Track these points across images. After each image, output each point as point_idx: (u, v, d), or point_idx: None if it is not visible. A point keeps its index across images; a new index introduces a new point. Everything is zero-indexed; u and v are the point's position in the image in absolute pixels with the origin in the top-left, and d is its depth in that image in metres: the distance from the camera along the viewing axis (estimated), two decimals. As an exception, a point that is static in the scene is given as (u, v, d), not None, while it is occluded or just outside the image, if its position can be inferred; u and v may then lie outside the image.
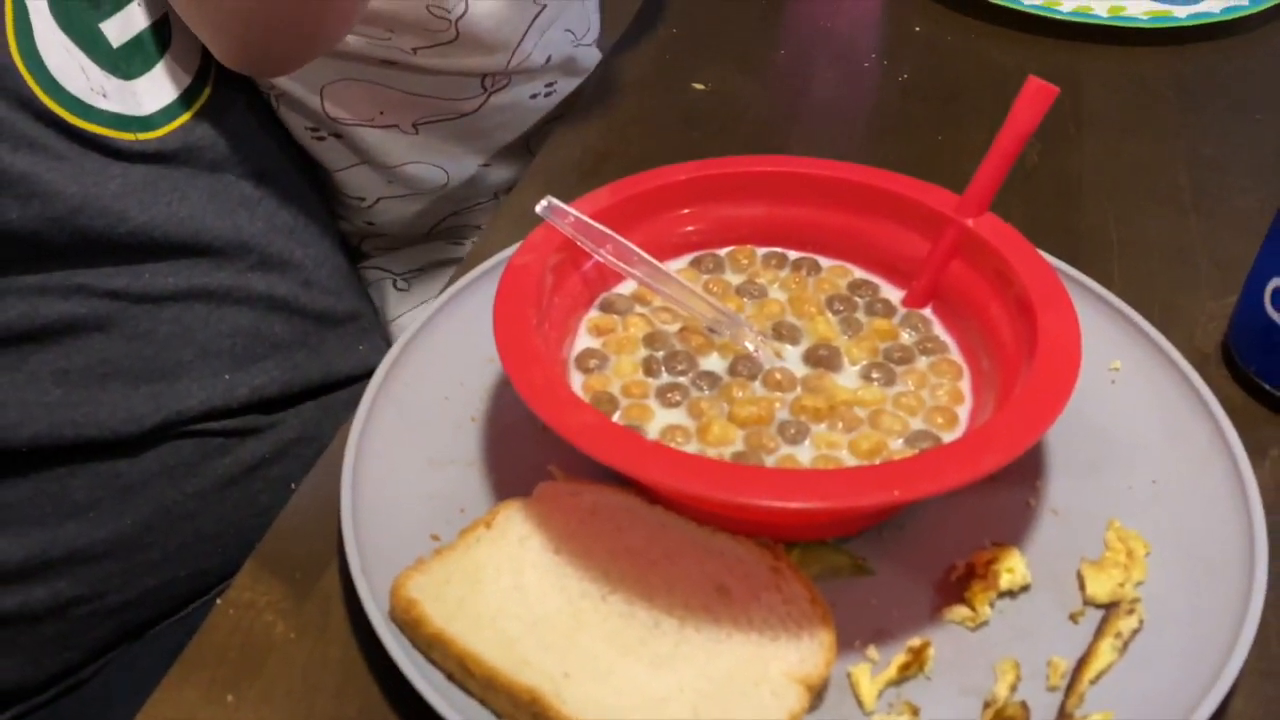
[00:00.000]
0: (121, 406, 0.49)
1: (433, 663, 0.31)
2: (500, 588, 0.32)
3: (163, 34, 0.53)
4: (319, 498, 0.38)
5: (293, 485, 0.40)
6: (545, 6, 0.57)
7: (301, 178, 0.60)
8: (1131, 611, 0.32)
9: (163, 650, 0.48)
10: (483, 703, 0.30)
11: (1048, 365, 0.33)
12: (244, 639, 0.34)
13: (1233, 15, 0.63)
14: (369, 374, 0.41)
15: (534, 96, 0.61)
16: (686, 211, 0.41)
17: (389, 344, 0.43)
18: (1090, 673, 0.31)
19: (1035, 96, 0.38)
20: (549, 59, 0.59)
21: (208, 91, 0.54)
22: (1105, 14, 0.65)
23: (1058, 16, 0.64)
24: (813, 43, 0.67)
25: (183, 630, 0.51)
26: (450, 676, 0.31)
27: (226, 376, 0.52)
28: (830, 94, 0.62)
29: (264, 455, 0.53)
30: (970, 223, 0.39)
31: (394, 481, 0.36)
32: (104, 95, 0.48)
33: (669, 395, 0.37)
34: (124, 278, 0.49)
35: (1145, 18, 0.64)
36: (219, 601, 0.35)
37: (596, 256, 0.39)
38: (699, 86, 0.61)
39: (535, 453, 0.37)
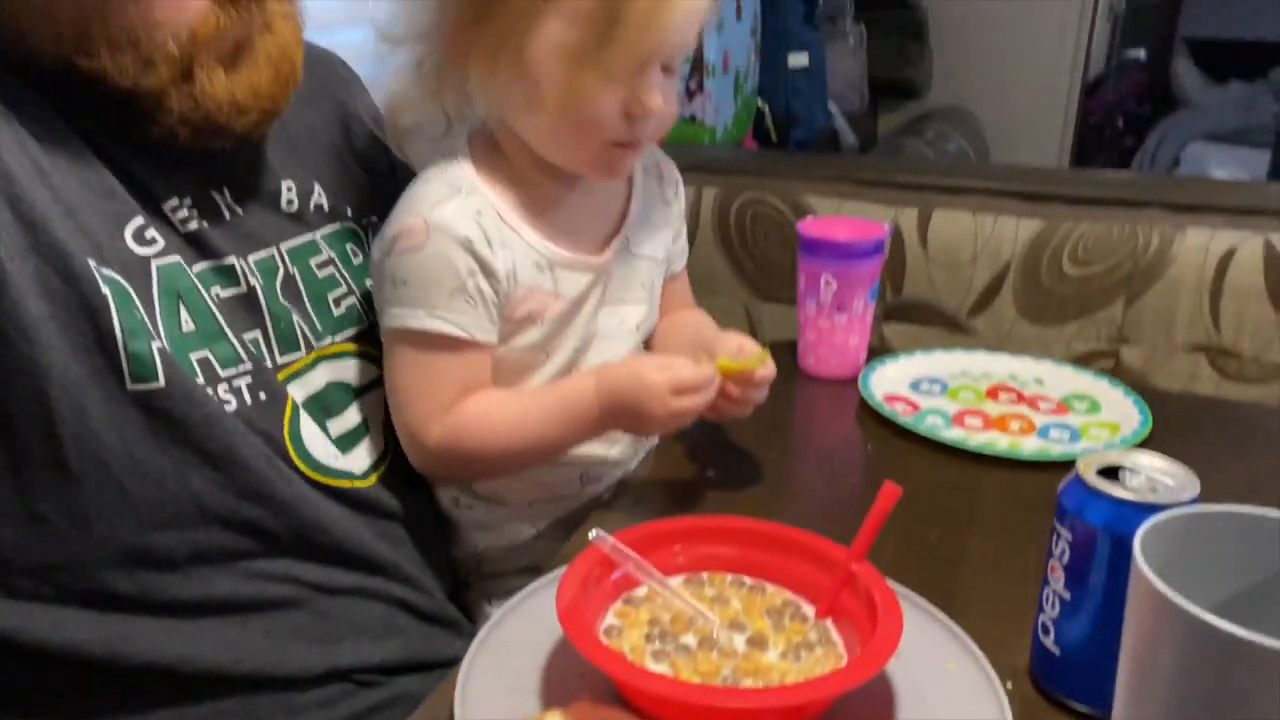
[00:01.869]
0: (301, 659, 0.73)
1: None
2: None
3: (363, 429, 0.82)
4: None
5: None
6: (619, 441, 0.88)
7: (439, 532, 0.88)
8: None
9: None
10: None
11: (877, 648, 0.56)
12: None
13: (1090, 454, 0.89)
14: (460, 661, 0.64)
15: (607, 489, 0.89)
16: (680, 547, 0.67)
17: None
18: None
19: (888, 494, 0.63)
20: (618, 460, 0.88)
21: (383, 467, 0.82)
22: (1005, 448, 0.92)
23: (968, 448, 0.91)
24: (799, 452, 0.95)
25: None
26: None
27: (367, 647, 0.76)
28: (802, 485, 0.88)
29: (381, 702, 0.75)
30: (854, 567, 0.63)
31: (483, 704, 0.59)
32: (335, 458, 0.77)
33: (658, 655, 0.60)
34: (319, 574, 0.75)
35: (1031, 453, 0.91)
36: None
37: (625, 568, 0.64)
38: (710, 474, 0.88)
39: (573, 689, 0.60)
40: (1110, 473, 0.59)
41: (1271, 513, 0.43)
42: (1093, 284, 1.52)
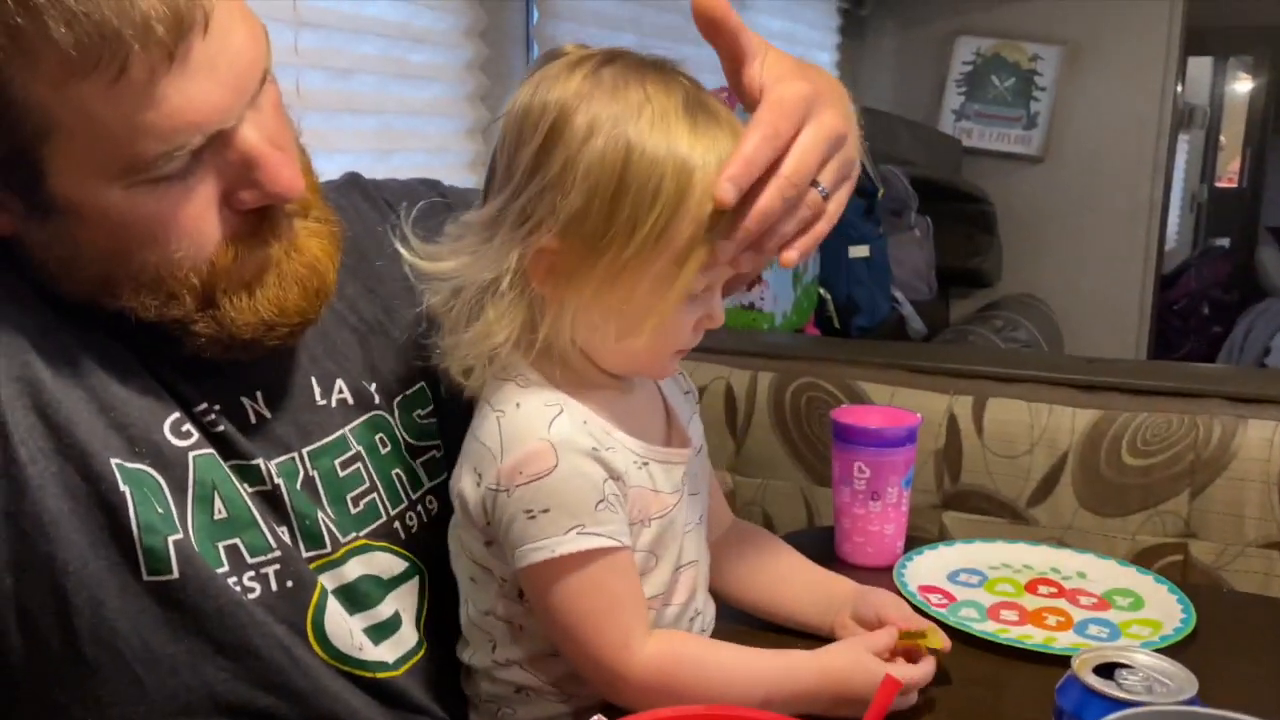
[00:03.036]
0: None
1: None
2: None
3: (396, 621, 0.82)
4: None
5: None
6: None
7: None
8: None
9: None
10: None
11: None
12: None
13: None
14: None
15: None
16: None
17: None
18: None
19: (889, 686, 0.63)
20: None
21: (415, 660, 0.82)
22: (1038, 643, 0.89)
23: (999, 642, 0.89)
24: (826, 639, 0.94)
25: None
26: None
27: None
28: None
29: None
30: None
31: None
32: (360, 649, 0.77)
33: (648, 846, 0.59)
34: None
35: (1063, 649, 0.88)
36: None
37: (622, 755, 0.64)
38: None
39: None
40: (1107, 671, 0.58)
41: (1228, 714, 0.42)
42: (1155, 475, 1.49)
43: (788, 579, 0.93)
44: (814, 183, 0.72)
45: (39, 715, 0.68)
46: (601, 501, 0.73)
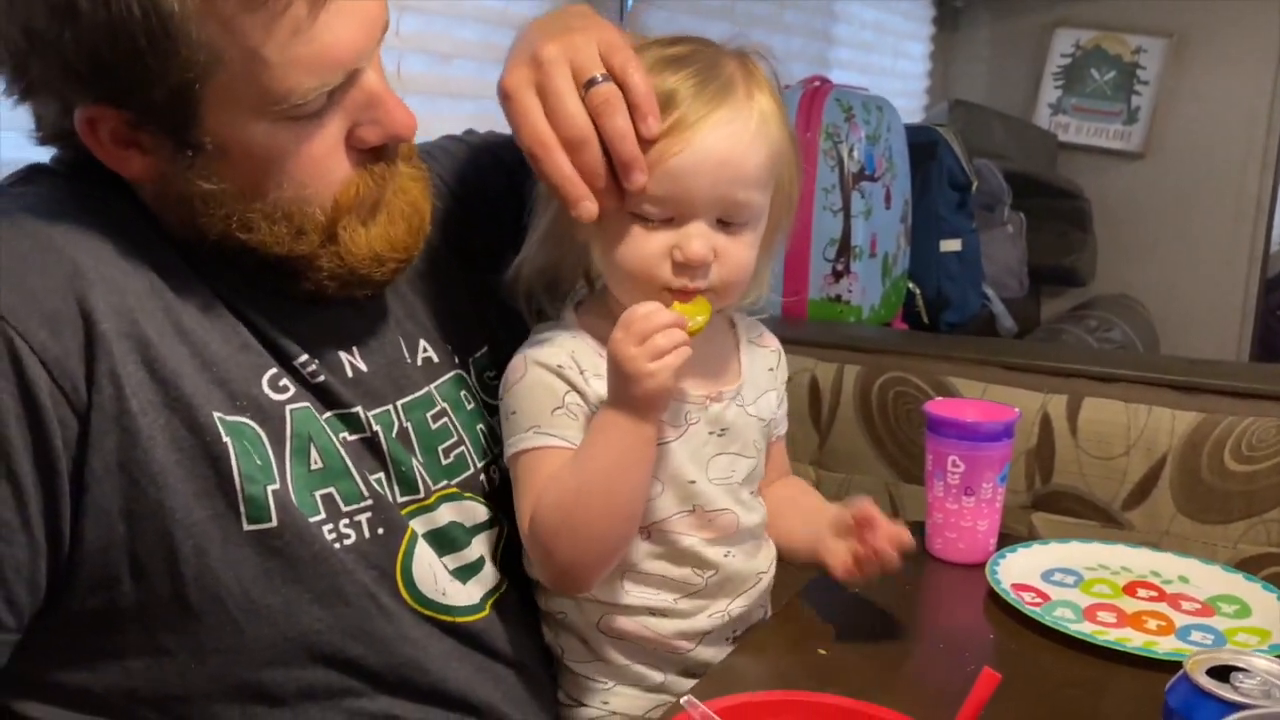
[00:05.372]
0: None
1: None
2: None
3: (481, 563, 0.85)
4: None
5: None
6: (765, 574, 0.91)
7: (548, 676, 0.89)
8: None
9: None
10: None
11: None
12: None
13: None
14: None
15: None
16: None
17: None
18: None
19: (987, 680, 0.62)
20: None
21: (495, 598, 0.85)
22: (1138, 646, 0.87)
23: (1096, 643, 0.87)
24: (918, 635, 0.93)
25: None
26: None
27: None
28: (916, 670, 0.86)
29: None
30: (949, 755, 0.61)
31: None
32: (443, 594, 0.80)
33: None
34: (418, 714, 0.77)
35: (1165, 654, 0.85)
36: None
37: (712, 736, 0.64)
38: (822, 652, 0.87)
39: None
40: (1222, 673, 0.56)
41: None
42: (1259, 482, 1.43)
43: (785, 511, 0.95)
44: (589, 83, 0.77)
45: (144, 661, 0.71)
46: (560, 409, 0.83)
